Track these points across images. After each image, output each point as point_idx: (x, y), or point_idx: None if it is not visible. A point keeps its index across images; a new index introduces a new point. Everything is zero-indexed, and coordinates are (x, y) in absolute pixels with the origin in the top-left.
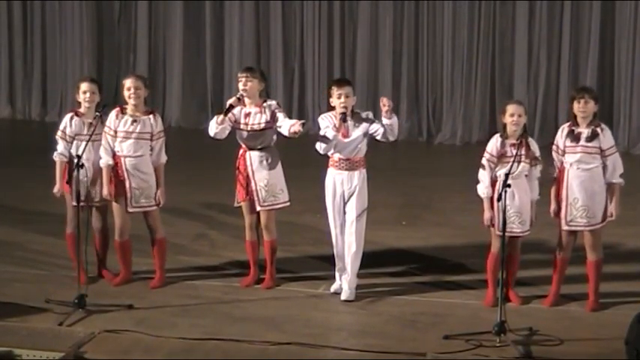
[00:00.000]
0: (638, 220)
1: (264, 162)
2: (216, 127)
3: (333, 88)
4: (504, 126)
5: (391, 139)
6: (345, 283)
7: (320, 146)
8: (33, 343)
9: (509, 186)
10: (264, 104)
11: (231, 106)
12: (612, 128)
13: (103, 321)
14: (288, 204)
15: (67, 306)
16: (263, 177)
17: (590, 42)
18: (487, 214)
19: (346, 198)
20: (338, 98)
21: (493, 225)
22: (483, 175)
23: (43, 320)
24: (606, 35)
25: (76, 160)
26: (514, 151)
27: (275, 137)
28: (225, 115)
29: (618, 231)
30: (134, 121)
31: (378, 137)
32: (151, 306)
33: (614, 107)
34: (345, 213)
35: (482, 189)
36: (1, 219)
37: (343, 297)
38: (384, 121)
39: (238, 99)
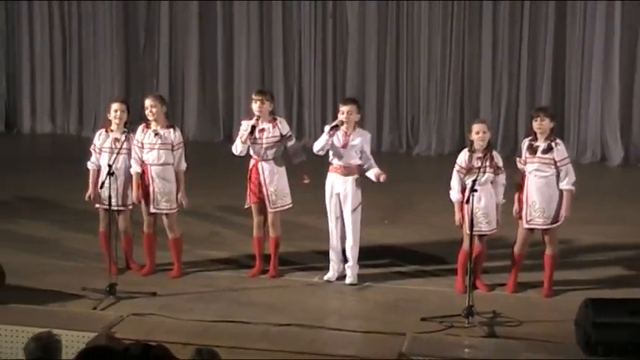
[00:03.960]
0: (589, 220)
1: (274, 171)
2: (241, 146)
3: (339, 104)
4: (472, 142)
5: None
6: (348, 270)
7: (315, 146)
8: (70, 325)
9: (475, 191)
10: (276, 121)
11: (254, 127)
12: (563, 141)
13: (131, 306)
14: (291, 206)
15: (100, 293)
16: (273, 184)
17: (544, 68)
18: (457, 215)
19: (342, 198)
20: (342, 114)
21: (462, 225)
22: (454, 183)
23: (80, 305)
24: (559, 62)
25: (107, 170)
26: (479, 164)
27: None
28: (251, 135)
29: (573, 229)
30: (156, 134)
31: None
32: (172, 293)
33: (565, 123)
34: (341, 211)
35: (453, 194)
36: (44, 218)
37: (348, 281)
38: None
39: (257, 119)
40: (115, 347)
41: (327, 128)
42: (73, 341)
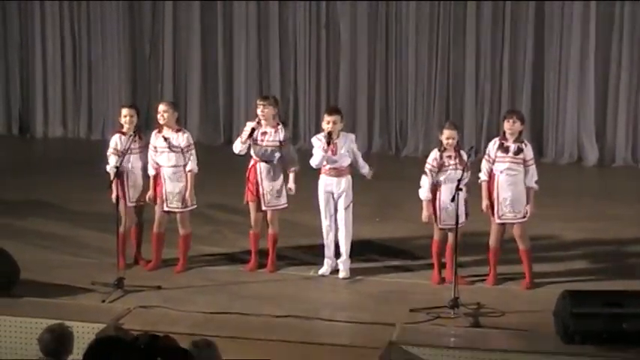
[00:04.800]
0: (567, 217)
1: (271, 172)
2: (240, 146)
3: (325, 115)
4: (441, 142)
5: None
6: (341, 264)
7: (313, 162)
8: (81, 317)
9: (461, 190)
10: (279, 127)
11: (253, 129)
12: (542, 144)
13: (137, 299)
14: (286, 206)
15: (109, 287)
16: (269, 184)
17: (524, 75)
18: (425, 213)
19: (336, 197)
20: (327, 123)
21: (435, 220)
22: (424, 182)
23: (89, 298)
24: (538, 70)
25: (115, 170)
26: (450, 162)
27: (278, 154)
28: (250, 137)
29: (551, 225)
30: (166, 138)
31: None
32: (176, 286)
33: (544, 127)
34: (335, 210)
35: (423, 192)
36: (56, 217)
37: (341, 275)
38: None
39: (258, 122)
40: (124, 337)
41: (316, 142)
42: (83, 332)
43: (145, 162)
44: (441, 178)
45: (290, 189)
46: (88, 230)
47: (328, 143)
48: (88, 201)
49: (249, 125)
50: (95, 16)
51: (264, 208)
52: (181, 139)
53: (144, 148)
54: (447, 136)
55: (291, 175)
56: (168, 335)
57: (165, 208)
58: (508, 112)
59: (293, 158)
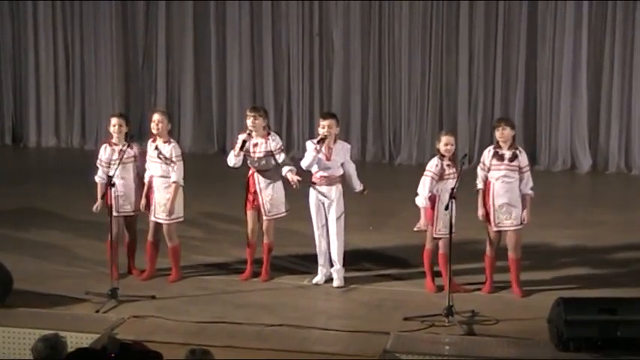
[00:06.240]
0: (560, 224)
1: (269, 181)
2: (234, 159)
3: (320, 119)
4: (438, 150)
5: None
6: (335, 273)
7: (304, 163)
8: (75, 327)
9: (454, 198)
10: (269, 136)
11: (244, 142)
12: (535, 151)
13: (132, 308)
14: (285, 214)
15: (103, 297)
16: (268, 193)
17: (517, 82)
18: (422, 221)
19: (326, 207)
20: (322, 128)
21: (432, 229)
22: (424, 190)
23: (84, 308)
24: (530, 78)
25: (106, 180)
26: (450, 170)
27: (273, 162)
28: (242, 149)
29: (545, 232)
30: (156, 148)
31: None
32: (170, 296)
33: (537, 134)
34: (326, 219)
35: (421, 200)
36: (49, 227)
37: (335, 284)
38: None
39: (249, 134)
40: (94, 348)
41: (309, 145)
42: (77, 342)
43: (141, 171)
44: (441, 186)
45: (294, 180)
46: (82, 240)
47: (321, 143)
48: (81, 211)
49: (241, 137)
50: (88, 26)
51: (264, 217)
52: (169, 150)
53: (139, 157)
54: (445, 142)
55: (289, 174)
56: (139, 341)
57: (152, 218)
58: (497, 121)
59: (287, 163)
